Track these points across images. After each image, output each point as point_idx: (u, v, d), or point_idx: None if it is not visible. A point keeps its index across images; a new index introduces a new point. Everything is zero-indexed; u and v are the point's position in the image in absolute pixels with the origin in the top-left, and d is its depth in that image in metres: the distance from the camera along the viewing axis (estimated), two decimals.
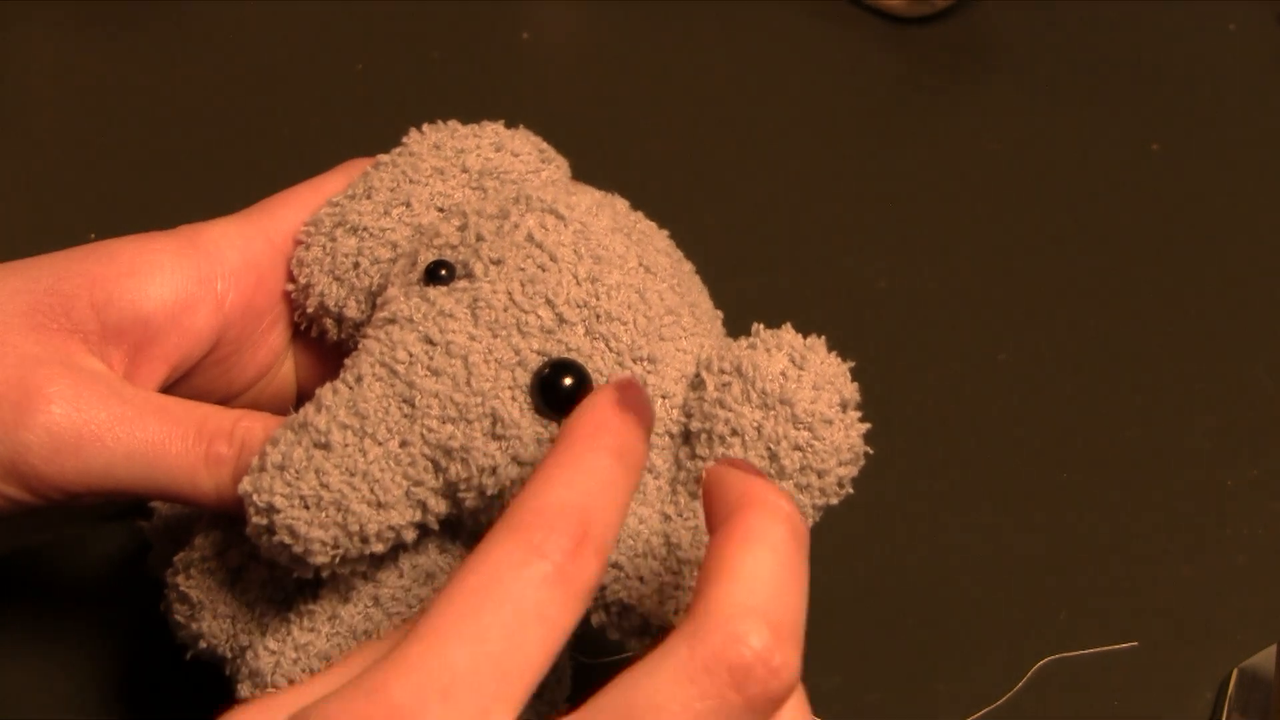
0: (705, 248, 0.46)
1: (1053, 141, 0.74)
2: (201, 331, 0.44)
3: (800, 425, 0.38)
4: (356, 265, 0.44)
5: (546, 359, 0.39)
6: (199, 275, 0.44)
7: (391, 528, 0.38)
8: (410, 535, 0.39)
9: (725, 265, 0.48)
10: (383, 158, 0.46)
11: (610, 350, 0.39)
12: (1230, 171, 0.73)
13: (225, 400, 0.46)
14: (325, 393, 0.39)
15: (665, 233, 0.44)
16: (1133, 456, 0.61)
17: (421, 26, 0.78)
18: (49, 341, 0.42)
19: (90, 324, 0.42)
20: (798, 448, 0.38)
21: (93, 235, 0.62)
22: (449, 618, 0.31)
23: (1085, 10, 0.81)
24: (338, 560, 0.38)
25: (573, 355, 0.39)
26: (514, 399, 0.38)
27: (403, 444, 0.38)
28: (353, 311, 0.44)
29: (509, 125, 0.47)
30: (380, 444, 0.38)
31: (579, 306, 0.39)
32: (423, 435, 0.38)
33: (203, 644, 0.43)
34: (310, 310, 0.45)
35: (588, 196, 0.42)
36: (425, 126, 0.46)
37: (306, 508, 0.38)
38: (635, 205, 0.45)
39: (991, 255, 0.69)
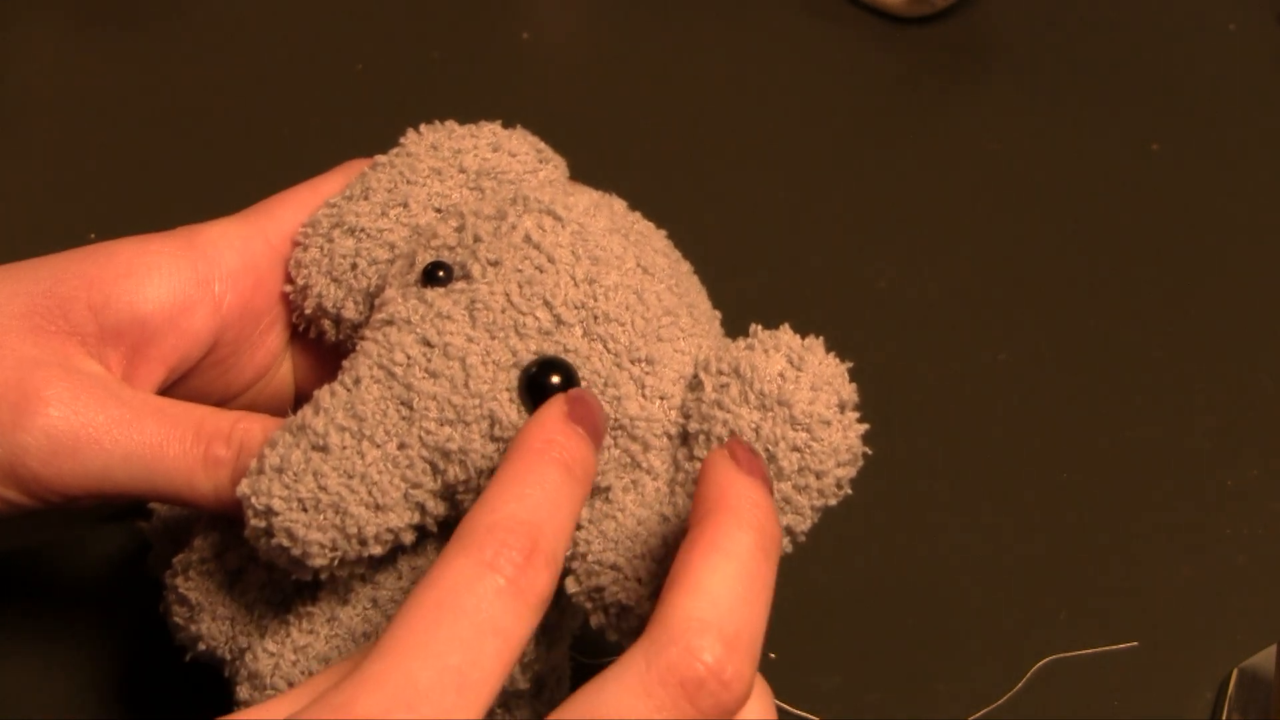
0: (704, 248, 0.46)
1: (1053, 141, 0.74)
2: (199, 333, 0.44)
3: (798, 426, 0.38)
4: (354, 266, 0.44)
5: (535, 360, 0.39)
6: (197, 277, 0.44)
7: (390, 530, 0.38)
8: (409, 537, 0.39)
9: (724, 265, 0.48)
10: (380, 158, 0.46)
11: (608, 351, 0.39)
12: (1230, 171, 0.73)
13: (223, 402, 0.46)
14: (323, 395, 0.39)
15: (663, 233, 0.44)
16: (1133, 456, 0.61)
17: (421, 26, 0.78)
18: (47, 344, 0.42)
19: (88, 326, 0.42)
20: (796, 449, 0.38)
21: (93, 235, 0.63)
22: (409, 634, 0.32)
23: (1085, 10, 0.81)
24: (336, 563, 0.38)
25: (570, 357, 0.39)
26: (511, 400, 0.38)
27: (401, 446, 0.38)
28: (350, 312, 0.44)
29: (508, 125, 0.47)
30: (378, 446, 0.38)
31: (576, 308, 0.39)
32: (421, 437, 0.38)
33: (202, 646, 0.43)
34: (308, 311, 0.45)
35: (585, 197, 0.42)
36: (423, 127, 0.46)
37: (305, 510, 0.38)
38: (634, 205, 0.45)
39: (991, 255, 0.69)
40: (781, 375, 0.39)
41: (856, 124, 0.76)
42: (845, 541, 0.54)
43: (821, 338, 0.40)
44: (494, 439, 0.38)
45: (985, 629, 0.55)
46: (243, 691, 0.41)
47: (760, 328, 0.40)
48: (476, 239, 0.41)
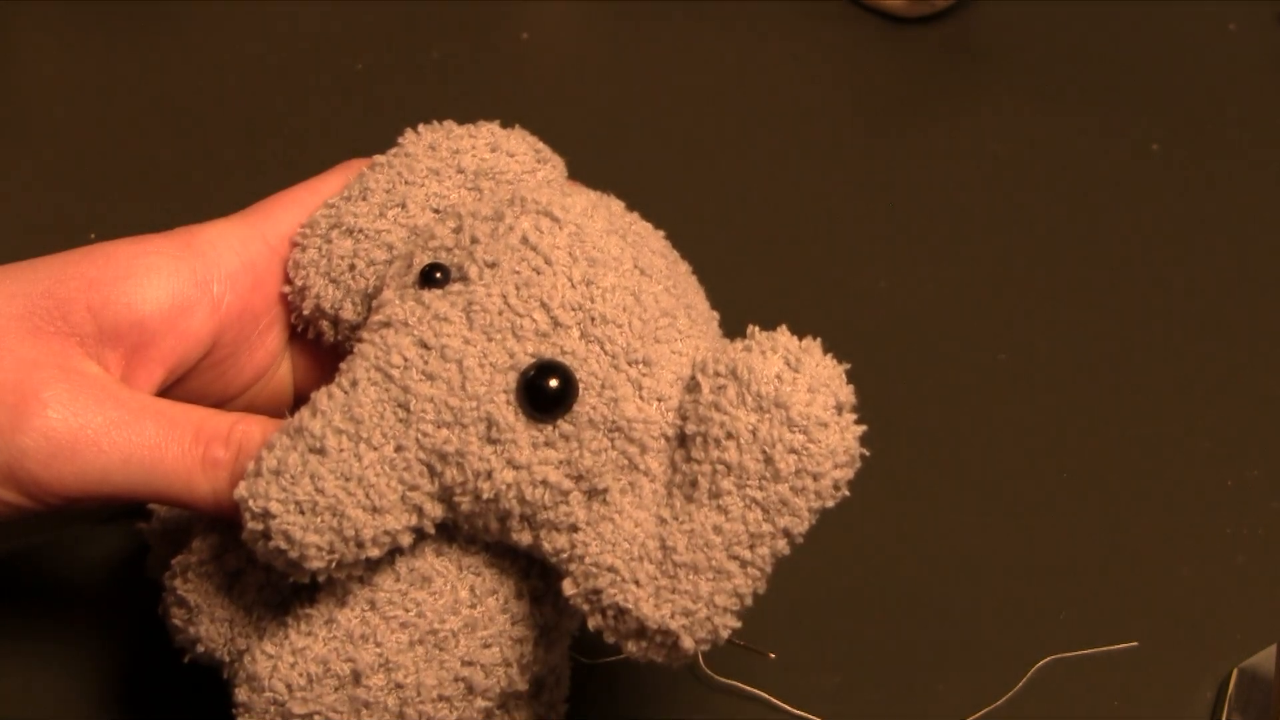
0: (702, 248, 0.46)
1: (1053, 141, 0.74)
2: (198, 334, 0.44)
3: (795, 428, 0.38)
4: (352, 267, 0.44)
5: (534, 363, 0.39)
6: (195, 278, 0.44)
7: (387, 532, 0.38)
8: (406, 540, 0.39)
9: (722, 266, 0.48)
10: (379, 159, 0.46)
11: (605, 353, 0.39)
12: (1230, 171, 0.73)
13: (222, 403, 0.46)
14: (320, 397, 0.39)
15: (661, 234, 0.44)
16: (1133, 456, 0.61)
17: (421, 26, 0.78)
18: (46, 345, 0.42)
19: (87, 327, 0.42)
20: (793, 451, 0.38)
21: (93, 236, 0.63)
22: None
23: (1085, 10, 0.81)
24: (333, 565, 0.38)
25: (567, 359, 0.39)
26: (509, 403, 0.38)
27: (398, 449, 0.38)
28: (349, 313, 0.44)
29: (506, 125, 0.47)
30: (375, 449, 0.38)
31: (574, 309, 0.39)
32: (418, 440, 0.38)
33: (201, 647, 0.43)
34: (306, 312, 0.45)
35: (583, 198, 0.42)
36: (421, 127, 0.46)
37: (302, 513, 0.38)
38: (632, 206, 0.45)
39: (991, 255, 0.69)
40: (779, 377, 0.39)
41: (856, 124, 0.76)
42: (844, 542, 0.54)
43: (819, 339, 0.40)
44: (491, 441, 0.38)
45: (985, 629, 0.55)
46: (241, 693, 0.41)
47: (757, 329, 0.40)
48: (474, 240, 0.41)
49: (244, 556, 0.42)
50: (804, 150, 0.73)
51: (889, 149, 0.74)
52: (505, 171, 0.46)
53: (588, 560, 0.39)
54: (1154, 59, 0.79)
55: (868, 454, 0.40)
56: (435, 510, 0.39)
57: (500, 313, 0.39)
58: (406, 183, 0.45)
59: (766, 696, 0.52)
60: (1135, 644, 0.55)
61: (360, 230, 0.44)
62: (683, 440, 0.39)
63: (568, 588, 0.39)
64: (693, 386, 0.40)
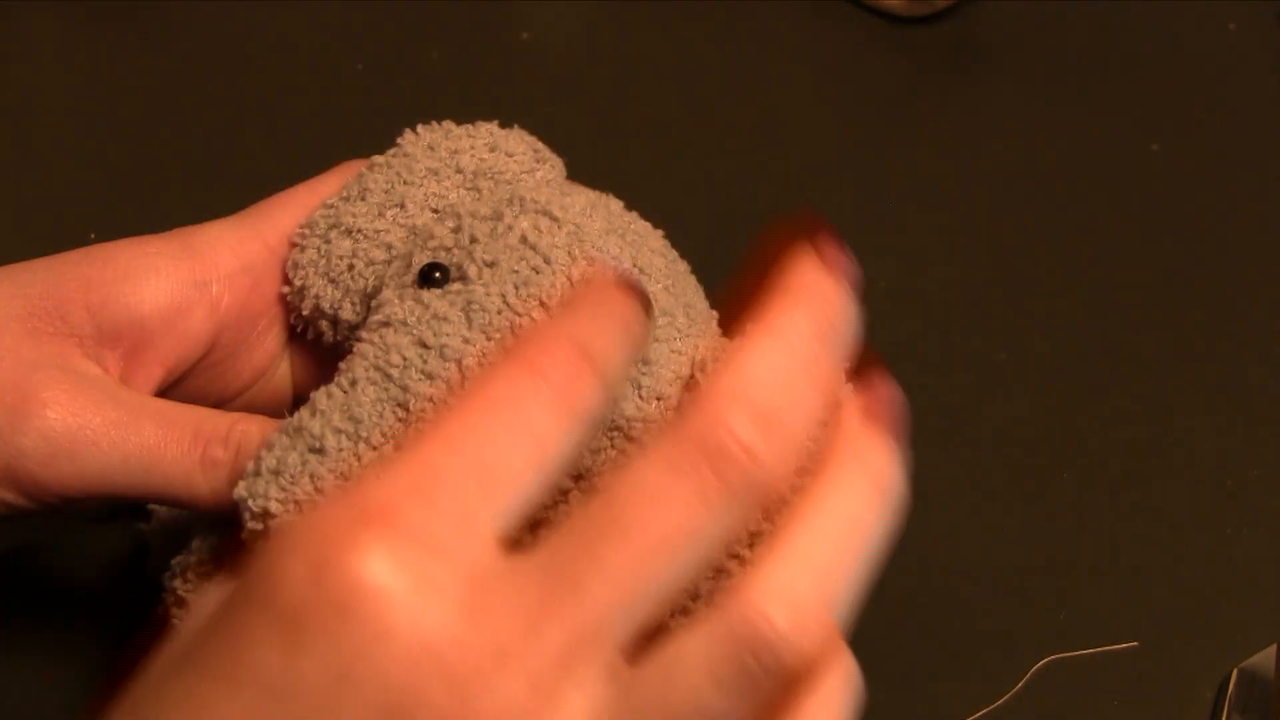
0: (701, 248, 0.46)
1: (1053, 141, 0.74)
2: (197, 335, 0.44)
3: None
4: (351, 267, 0.44)
5: None
6: (194, 279, 0.44)
7: None
8: None
9: (721, 265, 0.48)
10: (377, 159, 0.46)
11: None
12: (1230, 171, 0.73)
13: (221, 403, 0.46)
14: (320, 397, 0.39)
15: (660, 233, 0.44)
16: (1133, 456, 0.61)
17: (421, 26, 0.78)
18: (44, 346, 0.42)
19: (86, 328, 0.42)
20: None
21: (93, 236, 0.63)
22: (438, 428, 0.30)
23: (1085, 10, 0.81)
24: None
25: None
26: None
27: (397, 448, 0.38)
28: (348, 313, 0.44)
29: (506, 125, 0.47)
30: (375, 448, 0.38)
31: None
32: None
33: None
34: (305, 313, 0.45)
35: (582, 197, 0.42)
36: (419, 127, 0.46)
37: (301, 513, 0.38)
38: (631, 205, 0.45)
39: (991, 255, 0.69)
40: None
41: (856, 124, 0.76)
42: None
43: None
44: None
45: (985, 629, 0.55)
46: None
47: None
48: (473, 240, 0.41)
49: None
50: (804, 150, 0.73)
51: (889, 149, 0.74)
52: (504, 171, 0.46)
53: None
54: (1154, 59, 0.79)
55: None
56: None
57: (499, 312, 0.39)
58: (405, 183, 0.45)
59: None
60: (1135, 644, 0.55)
61: (359, 230, 0.44)
62: None
63: None
64: (692, 385, 0.40)
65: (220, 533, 0.42)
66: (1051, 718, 0.53)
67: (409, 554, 0.28)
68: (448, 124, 0.46)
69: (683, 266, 0.44)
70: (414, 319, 0.40)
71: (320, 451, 0.38)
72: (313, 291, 0.45)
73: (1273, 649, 0.53)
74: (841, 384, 0.34)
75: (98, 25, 0.77)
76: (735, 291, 0.35)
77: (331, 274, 0.44)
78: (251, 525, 0.38)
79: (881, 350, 0.63)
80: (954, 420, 0.62)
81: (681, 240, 0.45)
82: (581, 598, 0.29)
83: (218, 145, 0.71)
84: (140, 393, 0.43)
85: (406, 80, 0.75)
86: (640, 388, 0.39)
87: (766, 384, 0.31)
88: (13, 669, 0.52)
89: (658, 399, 0.40)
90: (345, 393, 0.39)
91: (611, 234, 0.41)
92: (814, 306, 0.33)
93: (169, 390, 0.45)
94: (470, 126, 0.46)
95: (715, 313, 0.44)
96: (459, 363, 0.39)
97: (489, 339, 0.39)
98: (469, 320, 0.39)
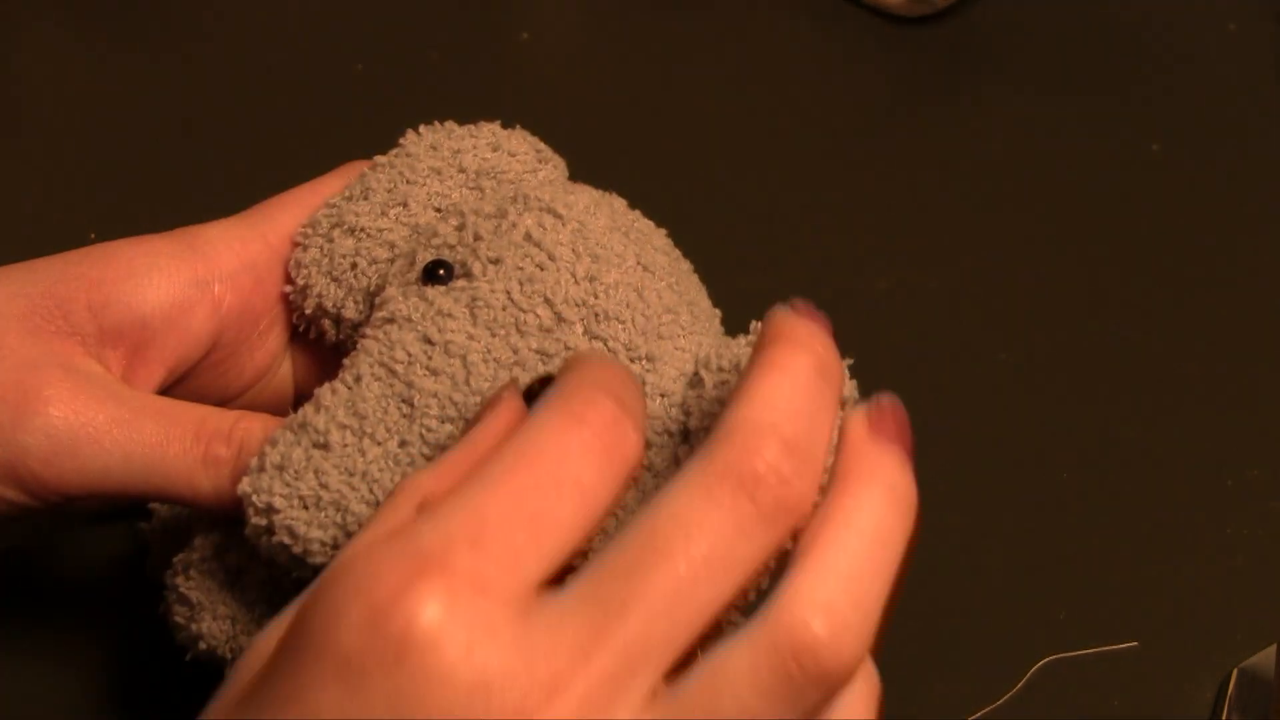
0: (703, 247, 0.46)
1: (1053, 141, 0.74)
2: (199, 333, 0.44)
3: None
4: (354, 266, 0.44)
5: (537, 377, 0.39)
6: (196, 278, 0.44)
7: None
8: None
9: (723, 264, 0.48)
10: (380, 159, 0.46)
11: (608, 349, 0.39)
12: (1230, 171, 0.73)
13: (223, 402, 0.46)
14: (324, 393, 0.39)
15: (663, 231, 0.44)
16: (1133, 456, 0.61)
17: (421, 26, 0.78)
18: (47, 344, 0.42)
19: (88, 326, 0.42)
20: None
21: (93, 236, 0.63)
22: (485, 475, 0.32)
23: (1085, 10, 0.81)
24: None
25: (571, 354, 0.39)
26: None
27: (401, 444, 0.38)
28: (351, 312, 0.44)
29: (508, 125, 0.47)
30: (379, 444, 0.38)
31: (577, 305, 0.40)
32: (421, 435, 0.38)
33: (202, 645, 0.43)
34: (308, 312, 0.45)
35: (585, 195, 0.42)
36: (422, 127, 0.46)
37: (305, 508, 0.38)
38: (633, 204, 0.45)
39: (991, 255, 0.69)
40: None
41: (856, 124, 0.76)
42: None
43: None
44: None
45: (985, 629, 0.55)
46: None
47: (760, 325, 0.40)
48: (477, 237, 0.41)
49: (246, 554, 0.42)
50: (803, 149, 0.73)
51: (888, 149, 0.74)
52: (507, 171, 0.46)
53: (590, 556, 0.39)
54: (1154, 59, 0.79)
55: None
56: None
57: (504, 308, 0.39)
58: (408, 182, 0.45)
59: None
60: (1135, 644, 0.55)
61: (362, 229, 0.44)
62: (686, 435, 0.40)
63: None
64: (695, 382, 0.40)
65: (222, 530, 0.42)
66: (1051, 718, 0.53)
67: (462, 599, 0.30)
68: (450, 124, 0.46)
69: (686, 265, 0.44)
70: (418, 315, 0.40)
71: (325, 447, 0.38)
72: (315, 290, 0.45)
73: (1273, 649, 0.53)
74: (838, 417, 0.35)
75: (98, 26, 0.77)
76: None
77: (334, 273, 0.44)
78: (255, 521, 0.38)
79: (882, 350, 0.63)
80: (953, 420, 0.62)
81: (684, 239, 0.45)
82: (628, 623, 0.31)
83: (218, 145, 0.71)
84: (142, 391, 0.43)
85: (406, 80, 0.75)
86: (645, 385, 0.40)
87: (789, 414, 0.33)
88: (13, 669, 0.52)
89: (661, 396, 0.40)
90: (350, 388, 0.39)
91: (615, 232, 0.41)
92: (811, 349, 0.35)
93: (171, 389, 0.45)
94: (473, 127, 0.46)
95: (718, 311, 0.44)
96: (463, 359, 0.39)
97: (493, 335, 0.39)
98: (474, 316, 0.39)
